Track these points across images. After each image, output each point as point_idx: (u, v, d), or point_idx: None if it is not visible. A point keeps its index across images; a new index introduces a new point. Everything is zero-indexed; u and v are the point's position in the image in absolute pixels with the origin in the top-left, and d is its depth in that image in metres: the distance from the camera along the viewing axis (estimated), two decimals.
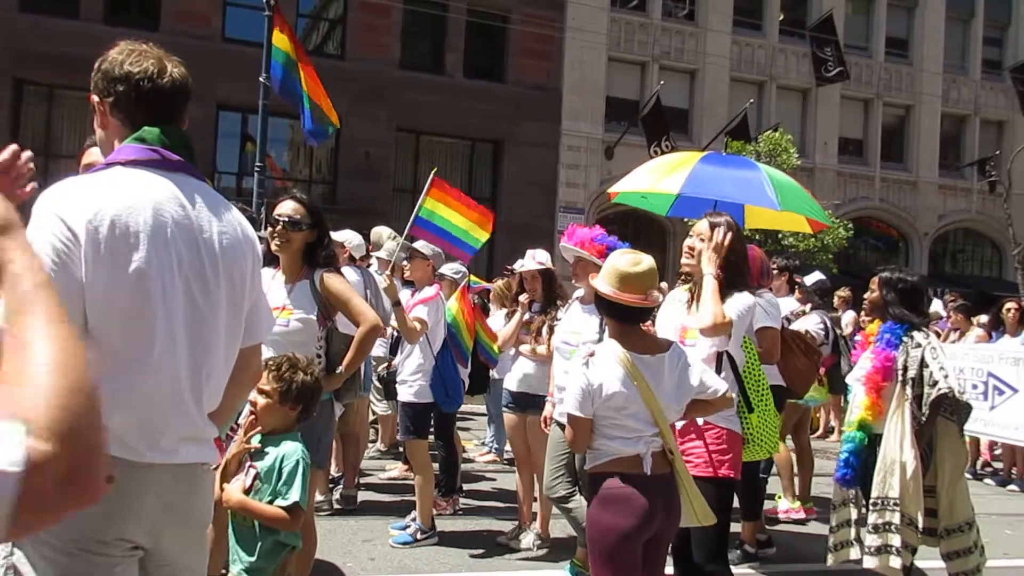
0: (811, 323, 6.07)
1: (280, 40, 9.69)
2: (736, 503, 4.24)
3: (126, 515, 1.73)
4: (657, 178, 5.39)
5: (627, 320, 2.99)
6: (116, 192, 1.75)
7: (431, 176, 5.60)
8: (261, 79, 9.78)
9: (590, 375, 2.90)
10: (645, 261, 2.98)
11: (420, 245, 5.56)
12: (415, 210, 5.45)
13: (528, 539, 5.22)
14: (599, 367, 2.92)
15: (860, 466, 4.00)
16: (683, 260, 3.62)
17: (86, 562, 1.70)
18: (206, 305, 1.85)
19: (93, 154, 2.47)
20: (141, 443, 1.75)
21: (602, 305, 3.04)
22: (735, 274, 3.49)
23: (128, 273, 1.72)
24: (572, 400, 2.93)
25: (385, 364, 6.71)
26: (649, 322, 3.35)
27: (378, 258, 6.59)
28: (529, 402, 5.12)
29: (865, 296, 4.31)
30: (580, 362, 2.98)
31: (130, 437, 1.73)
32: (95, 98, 1.91)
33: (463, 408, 6.00)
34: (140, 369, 1.74)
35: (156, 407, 1.77)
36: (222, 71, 16.27)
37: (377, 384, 7.01)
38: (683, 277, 3.94)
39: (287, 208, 3.60)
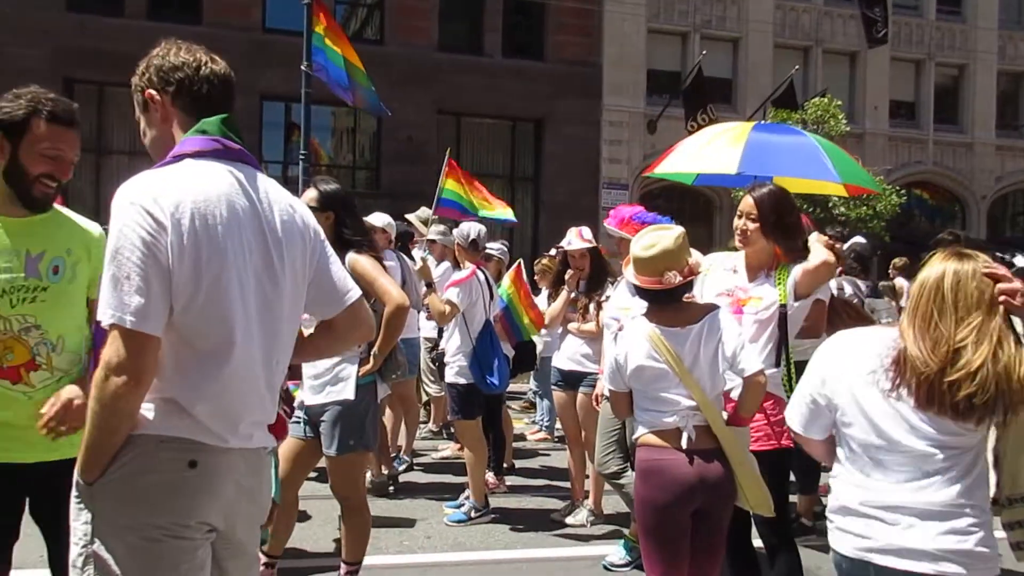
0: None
1: (321, 27, 9.73)
2: (791, 477, 4.19)
3: (209, 499, 1.79)
4: (710, 157, 5.14)
5: (654, 300, 2.98)
6: (193, 185, 1.79)
7: (446, 157, 5.69)
8: (303, 67, 9.84)
9: (617, 351, 2.98)
10: (660, 243, 2.90)
11: (457, 231, 5.60)
12: (437, 191, 5.52)
13: (581, 515, 5.25)
14: (624, 342, 2.97)
15: None
16: (737, 243, 3.53)
17: (170, 547, 1.75)
18: (274, 294, 1.90)
19: None
20: (223, 430, 1.80)
21: (632, 286, 3.10)
22: (788, 241, 3.36)
23: (209, 266, 1.76)
24: (606, 375, 3.09)
25: (432, 345, 6.78)
26: (691, 295, 3.28)
27: (428, 240, 6.63)
28: (578, 379, 5.13)
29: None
30: (611, 337, 3.03)
31: (214, 424, 1.79)
32: (152, 92, 1.93)
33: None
34: (223, 360, 1.79)
35: (237, 395, 1.82)
36: (264, 61, 16.42)
37: (430, 365, 7.09)
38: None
39: (303, 197, 3.70)
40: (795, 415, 2.28)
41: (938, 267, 2.03)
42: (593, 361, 5.02)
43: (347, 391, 3.61)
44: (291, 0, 11.05)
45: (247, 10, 17.84)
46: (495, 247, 6.56)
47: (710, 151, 5.11)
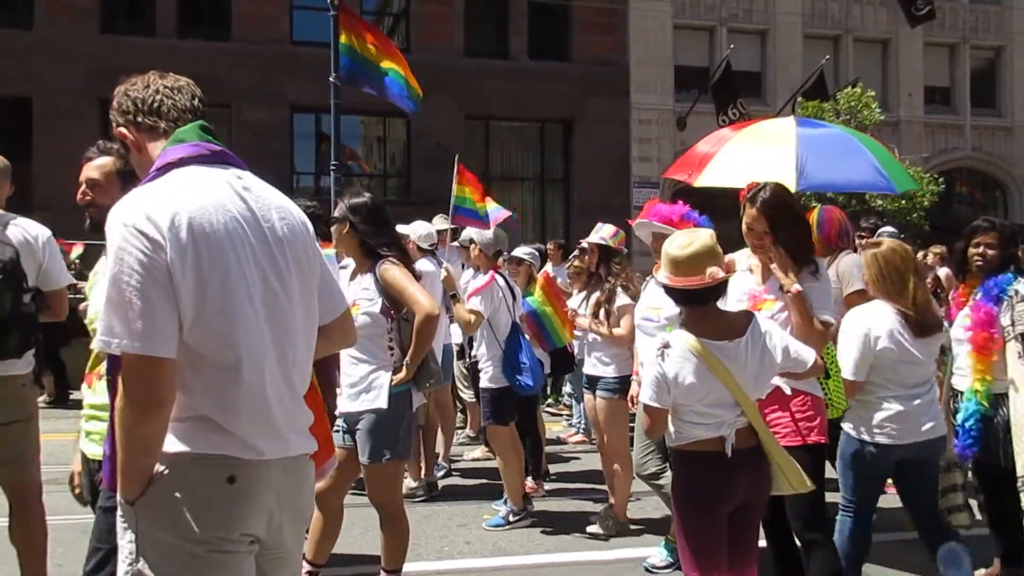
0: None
1: (348, 37, 9.75)
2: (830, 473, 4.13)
3: (250, 511, 1.78)
4: (762, 171, 4.74)
5: (693, 303, 2.88)
6: (185, 195, 1.76)
7: (455, 163, 5.66)
8: (331, 79, 9.92)
9: (665, 367, 2.80)
10: (696, 241, 2.83)
11: (475, 233, 5.61)
12: (452, 200, 5.50)
13: (611, 519, 5.18)
14: (673, 359, 2.81)
15: (980, 434, 3.88)
16: (749, 244, 3.50)
17: (215, 561, 1.75)
18: (283, 293, 1.88)
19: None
20: (259, 441, 1.79)
21: (668, 292, 2.96)
22: (795, 244, 3.34)
23: (214, 276, 1.73)
24: (648, 390, 2.85)
25: (460, 350, 6.82)
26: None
27: (460, 247, 6.66)
28: (599, 382, 5.09)
29: (975, 254, 4.08)
30: (655, 352, 2.88)
31: (249, 437, 1.77)
32: (121, 131, 2.00)
33: None
34: (238, 370, 1.76)
35: (260, 405, 1.80)
36: (293, 73, 16.62)
37: (463, 371, 7.10)
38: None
39: (335, 211, 3.82)
40: (853, 365, 3.50)
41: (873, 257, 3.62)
42: (605, 364, 5.00)
43: (380, 400, 3.63)
44: (318, 12, 11.18)
45: (275, 23, 18.05)
46: (526, 251, 6.54)
47: (761, 164, 4.76)
